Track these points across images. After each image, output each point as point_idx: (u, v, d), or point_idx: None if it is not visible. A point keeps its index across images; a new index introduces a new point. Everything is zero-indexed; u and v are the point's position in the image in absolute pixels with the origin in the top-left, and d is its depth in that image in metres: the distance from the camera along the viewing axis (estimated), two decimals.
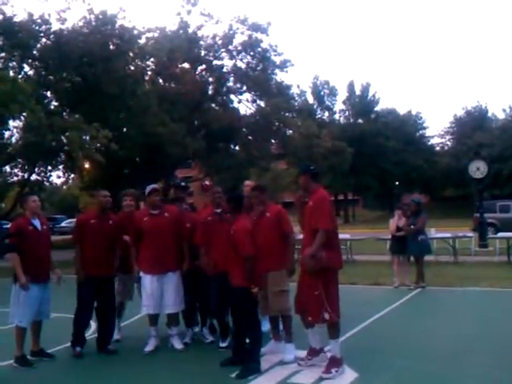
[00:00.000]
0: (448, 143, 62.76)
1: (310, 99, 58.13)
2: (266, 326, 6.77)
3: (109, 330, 6.69)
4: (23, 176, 24.51)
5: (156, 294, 6.49)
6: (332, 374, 5.31)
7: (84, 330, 6.61)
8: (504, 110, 56.31)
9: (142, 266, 6.63)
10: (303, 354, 5.85)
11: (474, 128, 53.78)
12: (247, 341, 5.98)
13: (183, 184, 7.93)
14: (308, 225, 5.60)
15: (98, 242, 6.49)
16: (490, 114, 59.45)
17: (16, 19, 20.96)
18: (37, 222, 6.28)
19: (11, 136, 23.03)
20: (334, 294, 5.49)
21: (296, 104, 40.24)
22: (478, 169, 18.65)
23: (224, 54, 31.23)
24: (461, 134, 56.91)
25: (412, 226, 10.83)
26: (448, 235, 16.25)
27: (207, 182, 7.41)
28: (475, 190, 20.27)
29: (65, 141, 20.33)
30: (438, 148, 63.26)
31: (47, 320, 6.45)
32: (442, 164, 56.82)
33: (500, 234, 16.87)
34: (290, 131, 32.88)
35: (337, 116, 60.79)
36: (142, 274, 6.63)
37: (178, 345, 6.60)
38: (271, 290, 5.93)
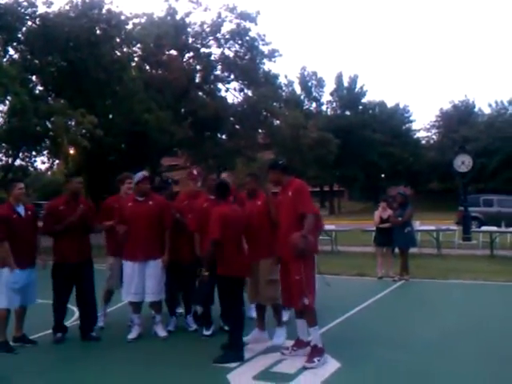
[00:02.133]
0: (434, 137, 63.12)
1: (298, 90, 58.11)
2: (251, 313, 6.81)
3: (90, 317, 6.64)
4: (7, 161, 24.25)
5: (137, 281, 6.44)
6: (315, 364, 5.31)
7: (62, 317, 6.55)
8: (490, 105, 56.73)
9: (123, 251, 6.59)
10: (290, 343, 5.89)
11: (460, 122, 54.09)
12: (226, 328, 6.16)
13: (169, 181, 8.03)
14: (286, 214, 5.61)
15: (69, 229, 6.39)
16: (476, 109, 59.82)
17: (1, 1, 20.63)
18: (20, 209, 6.22)
19: None
20: (311, 280, 5.54)
21: (283, 94, 40.17)
22: (462, 163, 18.77)
23: (212, 42, 31.10)
24: (447, 128, 57.21)
25: (400, 218, 10.88)
26: (432, 228, 16.37)
27: (195, 171, 7.31)
28: (460, 183, 20.38)
29: (50, 126, 20.12)
30: (423, 141, 63.61)
31: (32, 305, 6.41)
32: (428, 157, 57.16)
33: (483, 228, 17.04)
34: (277, 121, 32.84)
35: (324, 107, 60.83)
36: (123, 260, 6.60)
37: (161, 332, 6.59)
38: (263, 278, 5.96)
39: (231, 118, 31.42)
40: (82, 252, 6.55)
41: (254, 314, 6.70)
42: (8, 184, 6.54)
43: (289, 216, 5.58)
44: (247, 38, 30.75)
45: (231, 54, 31.46)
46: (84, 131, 19.85)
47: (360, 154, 53.59)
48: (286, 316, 6.73)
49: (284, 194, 5.70)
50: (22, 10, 21.12)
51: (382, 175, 57.18)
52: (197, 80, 31.57)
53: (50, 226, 6.48)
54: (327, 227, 17.72)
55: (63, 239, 6.43)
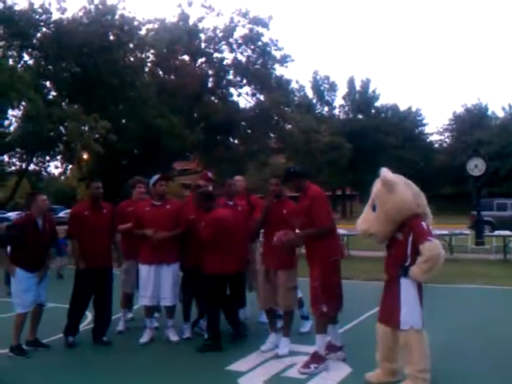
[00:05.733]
0: (447, 140, 62.75)
1: (310, 94, 58.04)
2: (263, 319, 6.84)
3: (105, 322, 6.70)
4: (21, 166, 24.47)
5: (153, 284, 6.50)
6: (310, 370, 5.31)
7: (79, 321, 6.62)
8: (503, 109, 56.25)
9: (140, 255, 6.64)
10: (297, 348, 5.90)
11: (473, 126, 53.75)
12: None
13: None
14: (301, 222, 5.60)
15: (93, 234, 6.45)
16: (489, 112, 59.40)
17: (16, 8, 20.87)
18: (40, 221, 6.28)
19: (10, 125, 22.97)
20: (333, 286, 5.50)
21: (296, 99, 40.13)
22: (476, 166, 18.63)
23: (224, 47, 31.10)
24: (460, 132, 56.87)
25: None
26: (445, 232, 16.27)
27: (210, 174, 7.40)
28: (473, 187, 20.25)
29: (63, 131, 20.30)
30: (436, 145, 63.22)
31: (44, 309, 6.49)
32: (441, 161, 56.78)
33: (496, 232, 16.92)
34: (289, 126, 32.79)
35: (336, 111, 60.70)
36: (140, 263, 6.64)
37: (173, 337, 6.62)
38: (284, 285, 5.96)
39: (243, 123, 31.43)
40: (107, 257, 6.64)
41: (264, 318, 6.73)
42: (31, 197, 6.51)
43: (304, 224, 5.57)
44: (259, 43, 30.75)
45: (243, 59, 31.46)
46: (97, 136, 20.00)
47: (372, 157, 53.35)
48: (307, 327, 6.80)
49: (301, 201, 5.65)
50: (37, 17, 21.35)
51: None
52: (209, 85, 31.62)
53: (75, 230, 6.54)
54: (339, 231, 17.71)
55: (89, 244, 6.46)
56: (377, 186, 4.93)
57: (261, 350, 6.00)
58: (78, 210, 6.80)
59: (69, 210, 10.73)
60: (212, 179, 7.33)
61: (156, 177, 6.70)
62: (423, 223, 4.80)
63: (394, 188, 4.77)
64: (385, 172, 4.95)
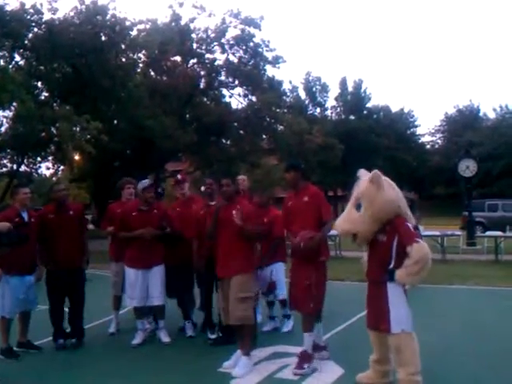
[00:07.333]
0: (439, 141, 63.08)
1: (302, 95, 58.14)
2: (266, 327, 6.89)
3: (77, 321, 6.62)
4: (12, 167, 24.36)
5: (140, 286, 6.48)
6: (304, 370, 5.29)
7: (60, 323, 6.56)
8: (494, 110, 56.55)
9: (126, 258, 6.62)
10: (287, 349, 5.87)
11: (464, 127, 54.02)
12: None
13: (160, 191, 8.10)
14: (301, 219, 5.52)
15: (59, 236, 6.40)
16: (481, 114, 59.73)
17: (8, 8, 20.81)
18: (25, 214, 6.25)
19: (0, 126, 22.87)
20: (322, 286, 5.50)
21: (288, 100, 40.17)
22: (467, 167, 18.72)
23: (216, 48, 31.14)
24: (451, 133, 57.16)
25: None
26: (437, 233, 16.31)
27: (179, 176, 7.41)
28: (464, 188, 20.36)
29: (55, 132, 20.23)
30: (428, 146, 63.53)
31: (34, 310, 6.47)
32: (432, 162, 57.05)
33: (488, 233, 16.98)
34: (281, 127, 32.84)
35: (329, 112, 60.84)
36: (126, 267, 6.63)
37: (164, 338, 6.60)
38: (234, 295, 5.44)
39: (235, 124, 31.47)
40: (75, 259, 6.54)
41: (268, 327, 6.81)
42: (14, 189, 6.60)
43: (305, 221, 5.48)
44: (251, 43, 30.81)
45: (235, 60, 31.51)
46: (89, 137, 19.95)
47: (364, 158, 53.42)
48: (289, 326, 6.78)
49: (297, 199, 5.59)
50: (28, 17, 21.31)
51: None
52: (201, 86, 31.65)
53: (40, 233, 6.45)
54: (331, 232, 17.69)
55: (56, 247, 6.42)
56: (363, 184, 4.87)
57: (223, 365, 5.54)
58: (43, 214, 6.73)
59: None
60: (178, 181, 7.26)
61: (145, 183, 6.67)
62: (408, 224, 4.73)
63: (383, 186, 4.72)
64: (364, 172, 4.98)
